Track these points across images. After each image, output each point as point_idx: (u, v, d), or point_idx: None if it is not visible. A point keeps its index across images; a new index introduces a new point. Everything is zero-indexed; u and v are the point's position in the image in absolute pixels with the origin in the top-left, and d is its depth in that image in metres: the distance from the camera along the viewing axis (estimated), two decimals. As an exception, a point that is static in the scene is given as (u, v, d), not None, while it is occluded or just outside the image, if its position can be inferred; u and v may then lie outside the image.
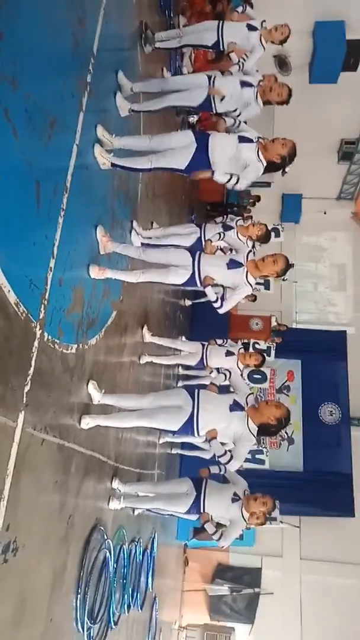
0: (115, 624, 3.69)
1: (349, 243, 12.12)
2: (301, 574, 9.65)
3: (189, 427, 3.34)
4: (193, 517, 3.77)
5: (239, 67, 4.17)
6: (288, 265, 3.69)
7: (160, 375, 5.89)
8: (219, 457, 3.41)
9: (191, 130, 3.49)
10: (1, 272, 1.98)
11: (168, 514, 4.09)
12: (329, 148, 10.87)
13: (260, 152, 3.45)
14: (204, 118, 7.41)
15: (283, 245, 11.38)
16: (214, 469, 3.99)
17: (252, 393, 3.61)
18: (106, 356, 3.59)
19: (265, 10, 5.74)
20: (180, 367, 7.10)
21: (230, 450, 3.41)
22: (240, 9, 4.90)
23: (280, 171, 3.56)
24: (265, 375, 8.85)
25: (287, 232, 11.80)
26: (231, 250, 4.19)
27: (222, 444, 3.43)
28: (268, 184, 10.70)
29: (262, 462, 6.51)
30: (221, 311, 3.66)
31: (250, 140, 3.45)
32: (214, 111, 3.86)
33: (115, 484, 3.83)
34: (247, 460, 6.93)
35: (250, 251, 3.79)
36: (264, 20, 4.44)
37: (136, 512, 4.46)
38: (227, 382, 3.76)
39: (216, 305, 3.61)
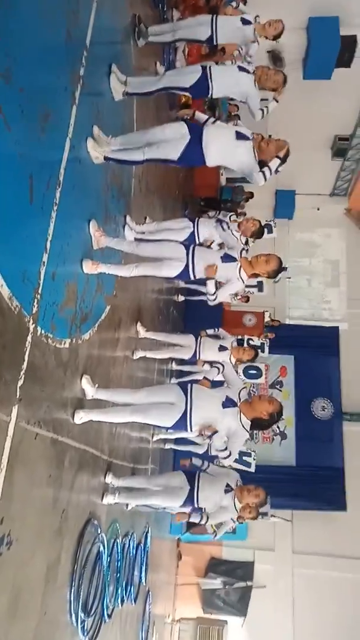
0: (109, 617, 3.71)
1: (342, 239, 12.17)
2: (293, 567, 9.74)
3: (182, 423, 3.36)
4: (187, 510, 3.81)
5: (239, 53, 4.16)
6: (280, 267, 3.70)
7: (153, 370, 5.90)
8: (219, 451, 3.43)
9: (185, 123, 3.43)
10: (-6, 266, 1.98)
11: (162, 509, 4.12)
12: (322, 144, 10.89)
13: (255, 151, 3.42)
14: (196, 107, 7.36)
15: (276, 241, 11.41)
16: (197, 461, 4.02)
17: (245, 387, 3.63)
18: (99, 351, 3.59)
19: (259, 6, 5.75)
20: (173, 363, 7.11)
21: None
22: (234, 4, 4.90)
23: (275, 170, 3.54)
24: (261, 370, 8.90)
25: (281, 228, 11.82)
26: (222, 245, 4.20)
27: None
28: (262, 180, 10.71)
29: (248, 464, 6.57)
30: (213, 302, 3.67)
31: (246, 138, 3.41)
32: (210, 94, 3.80)
33: (109, 479, 3.84)
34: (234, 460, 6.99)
35: (244, 249, 3.80)
36: (258, 16, 4.44)
37: (129, 507, 4.48)
38: (220, 377, 3.78)
39: (211, 298, 3.62)
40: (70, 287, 2.95)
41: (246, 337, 7.72)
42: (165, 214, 6.22)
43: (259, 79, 3.82)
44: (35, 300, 2.39)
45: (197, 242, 4.18)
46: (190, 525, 8.89)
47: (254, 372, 8.85)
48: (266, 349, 8.28)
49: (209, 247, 3.84)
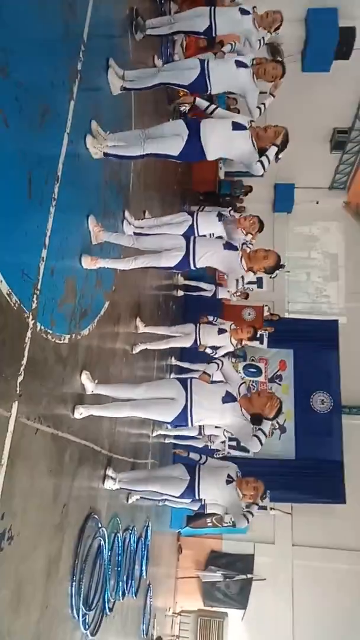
0: (110, 610, 3.74)
1: (341, 233, 12.15)
2: (293, 559, 9.80)
3: (183, 418, 3.36)
4: (186, 501, 3.83)
5: (232, 47, 4.13)
6: (278, 264, 3.69)
7: (153, 366, 5.91)
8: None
9: (183, 119, 3.44)
10: (-7, 262, 1.97)
11: (162, 500, 4.14)
12: (321, 137, 10.84)
13: (254, 140, 3.41)
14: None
15: (275, 234, 11.43)
16: (194, 456, 4.04)
17: (245, 382, 3.63)
18: (99, 347, 3.59)
19: (257, -3, 5.69)
20: (172, 358, 7.12)
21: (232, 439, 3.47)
22: None
23: (273, 157, 3.53)
24: (260, 369, 8.94)
25: (280, 222, 11.84)
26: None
27: (216, 435, 3.45)
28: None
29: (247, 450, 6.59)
30: (232, 290, 3.71)
31: (243, 127, 3.39)
32: (209, 91, 3.79)
33: (109, 473, 3.86)
34: (231, 447, 7.01)
35: (245, 242, 3.80)
36: (255, 7, 4.40)
37: (130, 500, 4.50)
38: (219, 375, 3.77)
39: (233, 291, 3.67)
40: (69, 283, 2.94)
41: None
42: (163, 209, 6.20)
43: (257, 73, 3.79)
44: (35, 295, 2.39)
45: (197, 235, 4.17)
46: (190, 519, 8.94)
47: (254, 370, 8.90)
48: (265, 340, 8.30)
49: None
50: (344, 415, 9.97)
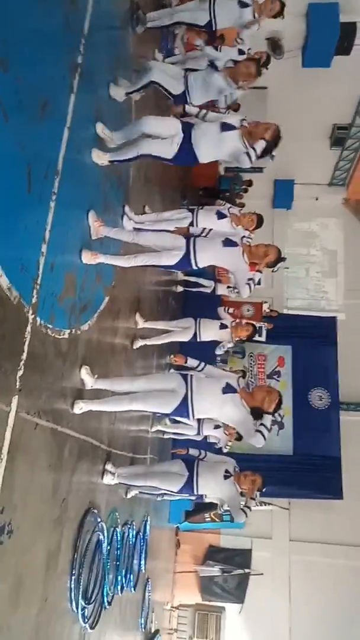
0: (109, 604, 3.76)
1: (340, 229, 12.15)
2: (290, 554, 9.86)
3: (183, 409, 3.36)
4: (184, 496, 3.86)
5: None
6: (280, 258, 3.69)
7: (152, 365, 5.90)
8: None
9: (179, 120, 3.43)
10: (-7, 257, 1.97)
11: (160, 495, 4.15)
12: (321, 133, 10.82)
13: (245, 139, 3.40)
14: None
15: (274, 231, 11.42)
16: (194, 451, 4.06)
17: (242, 376, 3.66)
18: (99, 342, 3.59)
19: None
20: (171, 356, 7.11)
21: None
22: None
23: (269, 155, 3.52)
24: (244, 351, 8.97)
25: (279, 218, 11.82)
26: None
27: (217, 426, 3.45)
28: (260, 170, 10.64)
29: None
30: (245, 296, 3.74)
31: (232, 127, 3.39)
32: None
33: (109, 468, 3.86)
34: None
35: (244, 236, 3.80)
36: None
37: (129, 495, 4.51)
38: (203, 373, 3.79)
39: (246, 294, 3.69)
40: (69, 278, 2.94)
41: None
42: (164, 204, 6.19)
43: (231, 75, 3.80)
44: (35, 290, 2.39)
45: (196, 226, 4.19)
46: (188, 514, 8.97)
47: (238, 352, 8.95)
48: (264, 332, 8.33)
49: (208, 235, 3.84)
50: (341, 411, 10.01)
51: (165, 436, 6.72)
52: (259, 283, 7.96)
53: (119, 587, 4.15)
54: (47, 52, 2.53)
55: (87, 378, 3.18)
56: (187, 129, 3.37)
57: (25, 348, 2.29)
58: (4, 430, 2.11)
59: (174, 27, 6.21)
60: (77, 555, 3.07)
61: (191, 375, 3.51)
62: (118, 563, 4.10)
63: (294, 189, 11.72)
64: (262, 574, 9.68)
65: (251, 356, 9.93)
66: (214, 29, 4.59)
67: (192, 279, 8.28)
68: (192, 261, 3.53)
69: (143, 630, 5.65)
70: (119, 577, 4.13)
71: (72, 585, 3.01)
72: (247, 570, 9.68)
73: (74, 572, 3.02)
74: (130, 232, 3.80)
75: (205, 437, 6.23)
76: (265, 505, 9.18)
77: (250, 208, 6.89)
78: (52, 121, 2.61)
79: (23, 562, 2.36)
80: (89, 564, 3.34)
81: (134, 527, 4.77)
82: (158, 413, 3.53)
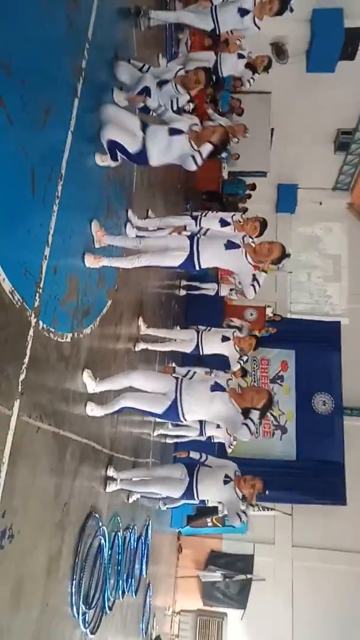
0: (110, 609, 3.74)
1: (344, 234, 12.13)
2: (293, 560, 9.79)
3: (173, 411, 3.40)
4: (187, 502, 3.85)
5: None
6: (284, 255, 3.68)
7: (154, 369, 5.89)
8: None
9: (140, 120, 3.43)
10: (-4, 260, 1.97)
11: (163, 502, 4.14)
12: (325, 138, 10.83)
13: (192, 142, 3.38)
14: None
15: (278, 235, 11.40)
16: (195, 455, 4.05)
17: (231, 378, 3.67)
18: (101, 345, 3.59)
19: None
20: (172, 363, 7.10)
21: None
22: None
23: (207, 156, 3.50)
24: (246, 372, 8.94)
25: (283, 222, 11.82)
26: None
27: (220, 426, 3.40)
28: (264, 174, 10.66)
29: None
30: (250, 297, 3.74)
31: (180, 132, 3.38)
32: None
33: (110, 472, 3.86)
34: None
35: (245, 235, 3.79)
36: None
37: (131, 500, 4.50)
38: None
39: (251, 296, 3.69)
40: (72, 281, 2.94)
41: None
42: (167, 208, 6.20)
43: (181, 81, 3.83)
44: (37, 294, 2.39)
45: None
46: (190, 519, 8.94)
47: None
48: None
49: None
50: (345, 416, 9.96)
51: (168, 440, 6.70)
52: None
53: (120, 592, 4.13)
54: (51, 56, 2.54)
55: (89, 382, 3.19)
56: (144, 128, 3.38)
57: (28, 352, 2.29)
58: (6, 433, 2.11)
59: (178, 32, 6.26)
60: (78, 559, 3.06)
61: (182, 378, 3.55)
62: (119, 568, 4.08)
63: (297, 193, 11.72)
64: (264, 579, 9.62)
65: (254, 360, 9.90)
66: (218, 33, 4.62)
67: (195, 283, 8.28)
68: (196, 262, 3.54)
69: (144, 635, 5.62)
70: (120, 582, 4.11)
71: (73, 590, 2.99)
72: (249, 576, 9.61)
73: (75, 577, 3.01)
74: (134, 239, 3.80)
75: (210, 438, 6.20)
76: (267, 510, 9.13)
77: (254, 212, 6.90)
78: (56, 125, 2.62)
79: (24, 567, 2.35)
80: (90, 568, 3.32)
81: (136, 532, 4.76)
82: (150, 413, 3.51)
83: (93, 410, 3.30)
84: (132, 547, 4.58)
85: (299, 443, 9.59)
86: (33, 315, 2.35)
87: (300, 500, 9.37)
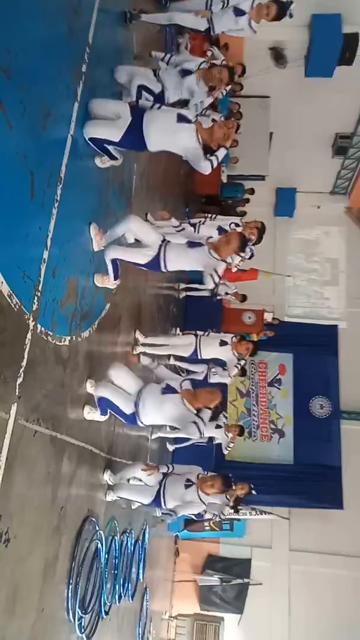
0: (107, 613, 3.73)
1: (342, 238, 12.15)
2: (290, 564, 9.76)
3: (134, 417, 3.48)
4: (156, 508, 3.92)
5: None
6: (244, 240, 3.65)
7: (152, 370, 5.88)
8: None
9: (128, 105, 3.31)
10: (-6, 264, 1.97)
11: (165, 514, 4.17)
12: (323, 142, 10.85)
13: (199, 134, 3.23)
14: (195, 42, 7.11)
15: (277, 239, 11.44)
16: (163, 468, 4.07)
17: (187, 380, 3.72)
18: (99, 349, 3.59)
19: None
20: (171, 359, 7.10)
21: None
22: None
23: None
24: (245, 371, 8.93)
25: (281, 226, 11.85)
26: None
27: (218, 426, 3.40)
28: (262, 177, 10.68)
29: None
30: (209, 286, 3.73)
31: (188, 121, 3.22)
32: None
33: (107, 476, 3.85)
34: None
35: (209, 237, 3.74)
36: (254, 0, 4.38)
37: (108, 498, 4.49)
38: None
39: (210, 287, 3.69)
40: (70, 284, 2.94)
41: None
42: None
43: (205, 77, 3.79)
44: (36, 297, 2.39)
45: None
46: (188, 523, 8.91)
47: None
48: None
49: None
50: (342, 420, 9.95)
51: (169, 447, 6.70)
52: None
53: (117, 597, 4.11)
54: (51, 61, 2.55)
55: (88, 388, 3.23)
56: (139, 114, 3.20)
57: (26, 355, 2.29)
58: (3, 437, 2.10)
59: (178, 36, 6.27)
60: (74, 564, 3.05)
61: (145, 385, 3.59)
62: (116, 572, 4.07)
63: (296, 197, 11.74)
64: (261, 583, 9.59)
65: (252, 364, 9.90)
66: (212, 33, 4.60)
67: (194, 285, 8.29)
68: (162, 263, 3.51)
69: (141, 640, 5.60)
70: (117, 586, 4.10)
71: (70, 595, 2.98)
72: (246, 580, 9.58)
73: (71, 581, 3.00)
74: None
75: (210, 440, 6.19)
76: (265, 514, 9.10)
77: (252, 216, 6.91)
78: (56, 129, 2.63)
79: (20, 571, 2.34)
80: (87, 573, 3.31)
81: (133, 536, 4.74)
82: (118, 411, 3.52)
83: (89, 413, 3.32)
84: (129, 551, 4.56)
85: (297, 447, 9.58)
86: (31, 318, 2.35)
87: (297, 504, 9.35)
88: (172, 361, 7.08)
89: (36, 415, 2.45)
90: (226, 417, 6.11)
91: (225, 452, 6.36)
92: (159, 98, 3.72)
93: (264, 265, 9.75)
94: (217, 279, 3.61)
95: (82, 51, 2.97)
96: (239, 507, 6.43)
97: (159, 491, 3.94)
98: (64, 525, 2.92)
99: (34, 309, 2.37)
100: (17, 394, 2.20)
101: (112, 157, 3.34)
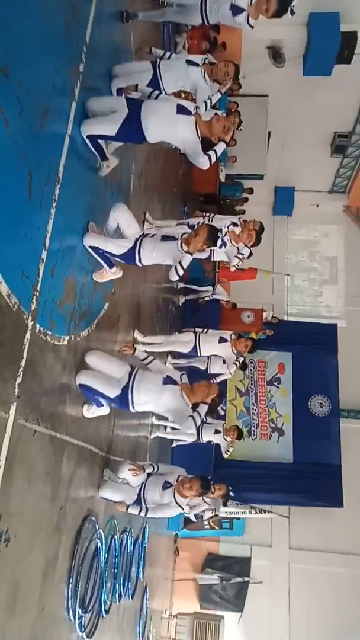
0: (107, 612, 3.73)
1: (341, 236, 12.17)
2: (290, 563, 9.78)
3: (124, 399, 3.38)
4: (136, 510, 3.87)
5: None
6: (212, 232, 3.61)
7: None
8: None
9: (124, 97, 3.28)
10: (-7, 263, 1.97)
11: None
12: (322, 141, 10.85)
13: (198, 126, 3.20)
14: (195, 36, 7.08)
15: (275, 238, 11.45)
16: (148, 469, 4.06)
17: (184, 374, 3.69)
18: (98, 348, 3.59)
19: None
20: (169, 357, 7.11)
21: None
22: None
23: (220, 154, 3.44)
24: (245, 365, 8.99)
25: (280, 225, 11.86)
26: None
27: (217, 431, 3.39)
28: (261, 177, 10.68)
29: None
30: (173, 279, 3.69)
31: (188, 112, 3.18)
32: (162, 91, 3.60)
33: (107, 475, 3.85)
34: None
35: (184, 234, 3.71)
36: None
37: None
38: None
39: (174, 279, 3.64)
40: (69, 284, 2.94)
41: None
42: (164, 211, 6.20)
43: (211, 72, 3.79)
44: (34, 297, 2.39)
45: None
46: (187, 521, 8.92)
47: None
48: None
49: None
50: (342, 418, 9.96)
51: (174, 444, 6.72)
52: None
53: (117, 595, 4.12)
54: (48, 60, 2.55)
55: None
56: (136, 105, 3.16)
57: (24, 355, 2.29)
58: (2, 437, 2.11)
59: (176, 35, 6.26)
60: (74, 563, 3.05)
61: (137, 369, 3.55)
62: (116, 571, 4.07)
63: (294, 196, 11.74)
64: (261, 582, 9.60)
65: (252, 362, 9.91)
66: (206, 24, 4.57)
67: (192, 286, 8.32)
68: (136, 258, 3.49)
69: (141, 639, 5.60)
70: (117, 585, 4.10)
71: (70, 594, 2.99)
72: (246, 579, 9.60)
73: (71, 580, 3.00)
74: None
75: (209, 442, 6.21)
76: (265, 512, 9.11)
77: (251, 215, 6.92)
78: (53, 128, 2.63)
79: (20, 570, 2.35)
80: (87, 572, 3.32)
81: (133, 535, 4.75)
82: (103, 396, 3.46)
83: (89, 410, 3.33)
84: (128, 550, 4.57)
85: (296, 445, 9.59)
86: (30, 318, 2.35)
87: (297, 502, 9.36)
88: (169, 359, 7.10)
89: (35, 414, 2.45)
90: (224, 410, 6.13)
91: (225, 455, 6.38)
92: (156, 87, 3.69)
93: (263, 264, 9.76)
94: (180, 272, 3.57)
95: (80, 50, 2.97)
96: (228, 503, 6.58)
97: (140, 491, 3.91)
98: (63, 524, 2.92)
99: (32, 308, 2.37)
100: (16, 393, 2.20)
101: (104, 157, 3.32)
